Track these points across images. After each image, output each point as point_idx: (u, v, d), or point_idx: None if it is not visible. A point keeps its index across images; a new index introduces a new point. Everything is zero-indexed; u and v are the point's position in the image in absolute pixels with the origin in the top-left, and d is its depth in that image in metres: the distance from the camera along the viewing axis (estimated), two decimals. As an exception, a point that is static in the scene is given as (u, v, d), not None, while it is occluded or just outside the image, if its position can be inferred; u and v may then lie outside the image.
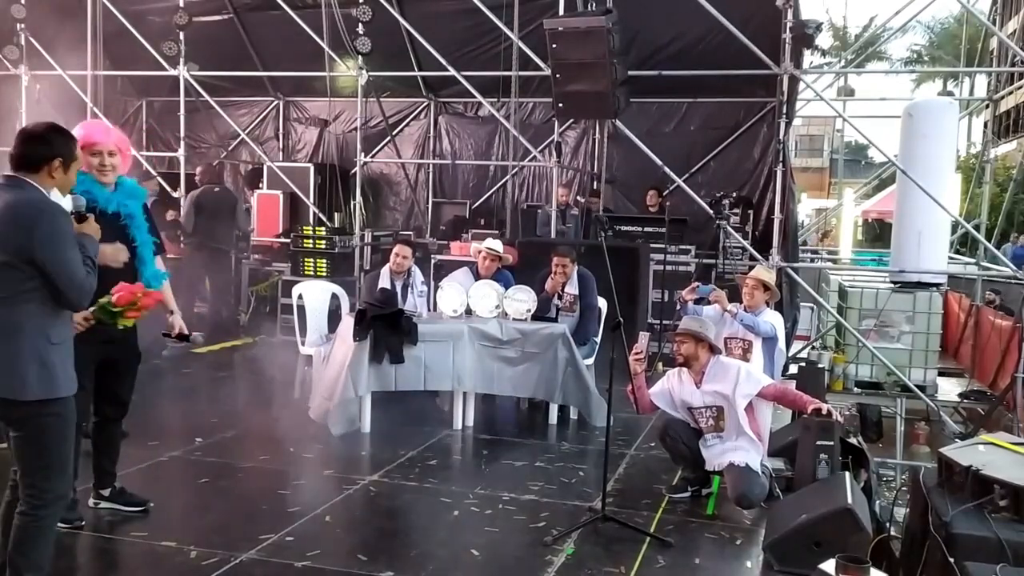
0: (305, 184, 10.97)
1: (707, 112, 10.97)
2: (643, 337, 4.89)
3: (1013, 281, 9.12)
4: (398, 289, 6.36)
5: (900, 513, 4.48)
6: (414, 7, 10.16)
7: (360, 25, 9.20)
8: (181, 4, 10.00)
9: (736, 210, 9.49)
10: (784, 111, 8.47)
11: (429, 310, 6.47)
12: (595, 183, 10.92)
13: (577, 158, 11.42)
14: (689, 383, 4.71)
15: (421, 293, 6.49)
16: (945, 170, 8.15)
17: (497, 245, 6.76)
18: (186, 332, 4.07)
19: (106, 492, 4.10)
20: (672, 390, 4.78)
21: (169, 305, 4.10)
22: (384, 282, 6.38)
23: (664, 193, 9.76)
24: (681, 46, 9.76)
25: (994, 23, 14.15)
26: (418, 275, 6.56)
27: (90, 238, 3.10)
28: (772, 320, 5.71)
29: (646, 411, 4.85)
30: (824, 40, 27.87)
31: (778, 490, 4.55)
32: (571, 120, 10.68)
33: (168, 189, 10.37)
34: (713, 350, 4.70)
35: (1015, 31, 16.03)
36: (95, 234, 3.15)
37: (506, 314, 6.16)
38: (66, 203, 3.08)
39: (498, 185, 11.70)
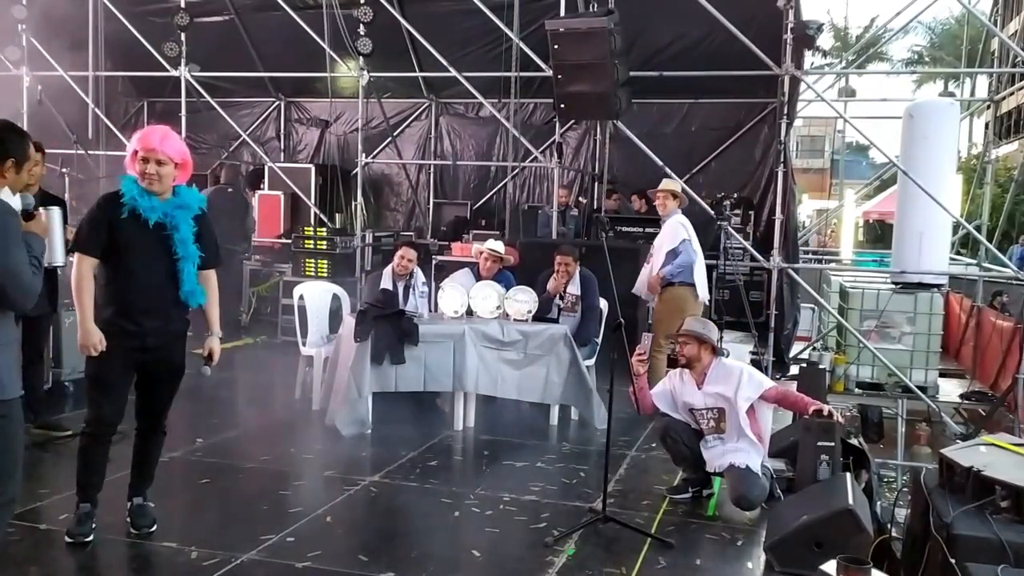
0: (306, 185, 10.97)
1: (708, 113, 10.95)
2: (646, 338, 4.88)
3: (1014, 282, 9.11)
4: (400, 290, 6.35)
5: (901, 514, 4.48)
6: (415, 8, 10.15)
7: (361, 26, 9.20)
8: (182, 5, 10.01)
9: (737, 211, 9.49)
10: (785, 112, 8.46)
11: (430, 311, 6.47)
12: (596, 183, 10.92)
13: (578, 159, 11.41)
14: (691, 384, 4.71)
15: (422, 294, 6.49)
16: (946, 171, 8.15)
17: (498, 246, 6.76)
18: (213, 358, 3.92)
19: (128, 503, 3.99)
20: (673, 391, 4.78)
21: (211, 326, 3.94)
22: (386, 283, 6.37)
23: (646, 195, 9.73)
24: (682, 47, 9.75)
25: (995, 24, 14.13)
26: (420, 276, 6.55)
27: (36, 237, 3.03)
28: (675, 230, 6.56)
29: (647, 412, 4.85)
30: (825, 41, 28.01)
31: (779, 491, 4.55)
32: (572, 121, 10.68)
33: None
34: (716, 352, 4.70)
35: (1016, 32, 16.02)
36: (42, 233, 3.09)
37: (507, 315, 6.16)
38: (15, 202, 3.01)
39: (499, 186, 11.70)
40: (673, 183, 7.00)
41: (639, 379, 4.70)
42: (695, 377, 4.69)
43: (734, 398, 4.53)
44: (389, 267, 6.50)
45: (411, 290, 6.40)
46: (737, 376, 4.58)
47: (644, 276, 6.85)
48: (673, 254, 6.45)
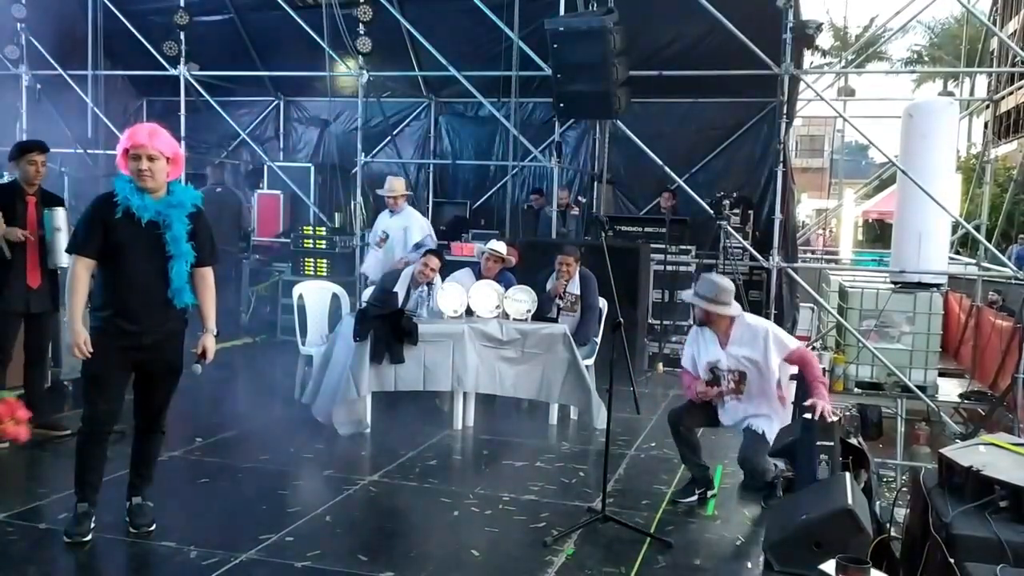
0: (305, 184, 10.97)
1: (708, 112, 10.94)
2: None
3: (1013, 282, 9.11)
4: (413, 295, 6.28)
5: (900, 514, 4.48)
6: (415, 7, 10.15)
7: (361, 25, 9.20)
8: (182, 4, 10.00)
9: (736, 210, 9.50)
10: (784, 111, 8.46)
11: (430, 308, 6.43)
12: (595, 183, 10.91)
13: (578, 158, 11.42)
14: (713, 343, 4.64)
15: (422, 293, 6.43)
16: (945, 170, 8.14)
17: (500, 247, 6.74)
18: (207, 356, 3.91)
19: (127, 502, 3.99)
20: (696, 355, 4.72)
21: (206, 323, 3.94)
22: (401, 286, 6.30)
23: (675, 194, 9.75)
24: (682, 46, 9.76)
25: (994, 23, 14.15)
26: (438, 284, 6.36)
27: None
28: (422, 225, 7.71)
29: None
30: (824, 40, 27.93)
31: (779, 491, 4.56)
32: (572, 120, 10.68)
33: None
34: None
35: (1015, 31, 16.04)
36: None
37: (506, 314, 6.16)
38: None
39: (498, 185, 11.70)
40: (400, 182, 7.92)
41: (704, 393, 4.67)
42: (719, 336, 4.62)
43: (763, 362, 4.48)
44: (408, 269, 6.42)
45: (423, 301, 6.26)
46: (763, 339, 4.50)
47: (378, 259, 7.74)
48: (418, 244, 7.49)
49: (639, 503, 4.63)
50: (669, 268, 8.71)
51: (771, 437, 4.50)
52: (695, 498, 4.70)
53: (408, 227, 7.68)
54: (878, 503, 4.68)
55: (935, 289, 8.04)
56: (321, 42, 9.42)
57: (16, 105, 10.50)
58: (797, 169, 13.57)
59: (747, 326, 4.58)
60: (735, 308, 4.59)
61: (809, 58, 13.93)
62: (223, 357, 8.10)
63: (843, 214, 16.34)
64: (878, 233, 20.71)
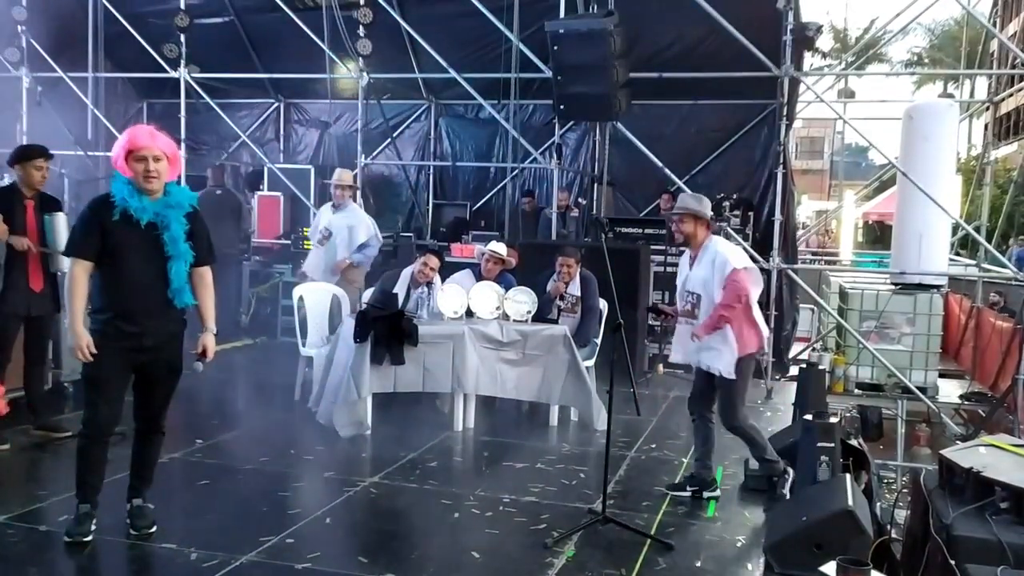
0: (306, 186, 10.97)
1: (708, 114, 10.94)
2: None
3: (1013, 283, 9.11)
4: (413, 296, 6.28)
5: (901, 515, 4.48)
6: (415, 9, 10.15)
7: (361, 27, 9.22)
8: (182, 6, 10.01)
9: (736, 212, 9.49)
10: (785, 113, 8.46)
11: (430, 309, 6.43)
12: (595, 184, 10.91)
13: (577, 160, 11.42)
14: (685, 264, 4.76)
15: (422, 294, 6.43)
16: (945, 172, 8.16)
17: (501, 248, 6.74)
18: (207, 355, 3.90)
19: (128, 504, 3.99)
20: (680, 277, 4.84)
21: (205, 322, 3.93)
22: (401, 286, 6.29)
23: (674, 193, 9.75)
24: (682, 48, 9.75)
25: (994, 25, 14.16)
26: (438, 285, 6.35)
27: None
28: (368, 225, 7.36)
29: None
30: (825, 42, 27.98)
31: (784, 489, 4.57)
32: (571, 122, 10.68)
33: None
34: (710, 228, 4.70)
35: (1015, 33, 16.04)
36: None
37: (507, 316, 6.16)
38: None
39: (498, 187, 11.70)
40: (350, 173, 7.72)
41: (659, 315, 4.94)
42: (691, 256, 4.71)
43: (712, 283, 4.52)
44: (408, 270, 6.41)
45: (422, 302, 6.23)
46: (712, 259, 4.56)
47: (320, 257, 7.38)
48: (363, 245, 7.32)
49: (640, 504, 4.63)
50: (669, 270, 8.70)
51: (726, 371, 4.52)
52: (688, 494, 4.72)
53: (354, 226, 7.31)
54: (879, 504, 4.69)
55: (935, 290, 8.05)
56: (321, 44, 9.42)
57: (16, 107, 10.50)
58: (797, 171, 13.58)
59: (706, 248, 4.63)
60: (710, 222, 4.70)
61: (809, 60, 13.92)
62: (223, 359, 8.15)
63: (843, 215, 16.36)
64: (878, 234, 20.72)
